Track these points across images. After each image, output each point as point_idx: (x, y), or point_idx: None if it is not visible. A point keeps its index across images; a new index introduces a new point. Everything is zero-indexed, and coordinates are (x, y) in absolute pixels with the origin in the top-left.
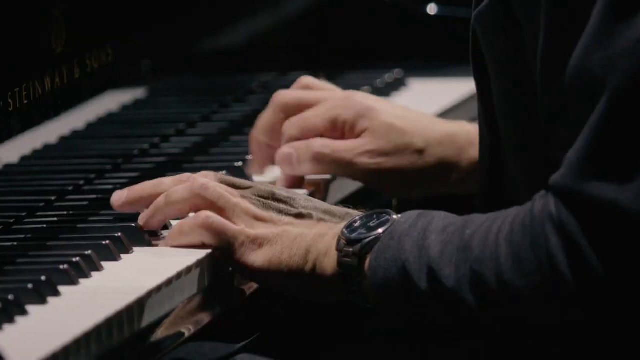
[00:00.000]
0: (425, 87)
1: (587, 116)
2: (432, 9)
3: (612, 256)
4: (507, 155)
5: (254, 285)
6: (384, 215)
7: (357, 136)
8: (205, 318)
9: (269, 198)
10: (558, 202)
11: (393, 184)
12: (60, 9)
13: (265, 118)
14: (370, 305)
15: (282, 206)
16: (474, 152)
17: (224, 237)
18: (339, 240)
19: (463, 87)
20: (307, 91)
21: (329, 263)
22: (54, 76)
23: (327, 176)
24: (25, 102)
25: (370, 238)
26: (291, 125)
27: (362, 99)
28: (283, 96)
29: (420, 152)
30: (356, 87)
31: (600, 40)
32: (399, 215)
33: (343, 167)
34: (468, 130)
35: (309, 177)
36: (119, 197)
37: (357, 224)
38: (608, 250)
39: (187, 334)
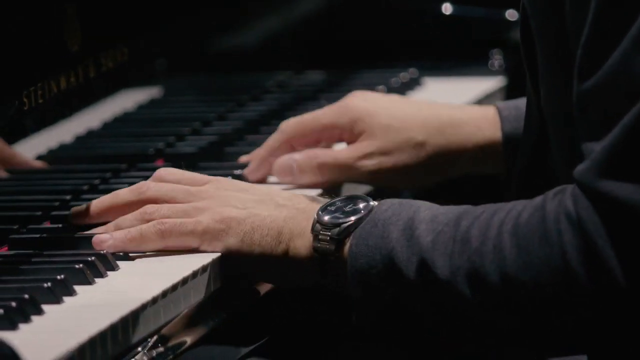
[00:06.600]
0: (440, 86)
1: (620, 115)
2: (447, 8)
3: (630, 258)
4: (550, 130)
5: (263, 289)
6: (361, 200)
7: (355, 140)
8: (216, 319)
9: (229, 189)
10: (579, 196)
11: (399, 180)
12: (74, 5)
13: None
14: (346, 292)
15: (242, 195)
16: (482, 137)
17: (183, 235)
18: (314, 223)
19: (478, 86)
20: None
21: (303, 245)
22: (69, 75)
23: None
24: (41, 101)
25: (349, 223)
26: (288, 127)
27: (358, 102)
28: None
29: (421, 144)
30: (371, 86)
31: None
32: (377, 202)
33: (346, 173)
34: (474, 115)
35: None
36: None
37: (332, 208)
38: (626, 252)
39: (198, 337)
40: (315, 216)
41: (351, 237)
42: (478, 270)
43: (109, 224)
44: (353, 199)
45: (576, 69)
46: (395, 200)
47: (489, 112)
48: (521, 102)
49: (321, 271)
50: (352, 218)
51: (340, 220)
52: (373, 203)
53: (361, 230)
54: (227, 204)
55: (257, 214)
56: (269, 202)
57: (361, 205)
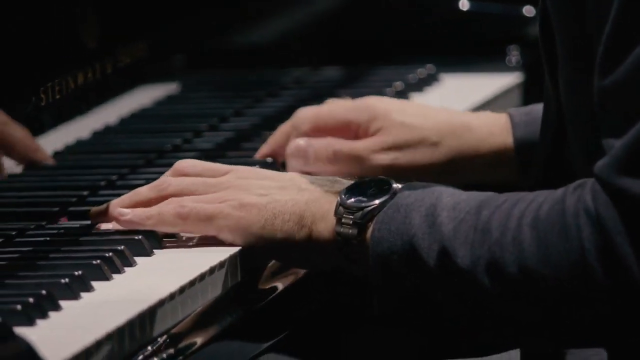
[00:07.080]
0: (457, 83)
1: None
2: (464, 4)
3: None
4: (568, 125)
5: (281, 285)
6: (384, 183)
7: (372, 136)
8: (234, 315)
9: (250, 177)
10: (598, 192)
11: (410, 178)
12: (91, 1)
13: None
14: (367, 276)
15: (264, 182)
16: (494, 142)
17: (202, 220)
18: (337, 206)
19: (495, 83)
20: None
21: (326, 228)
22: (86, 71)
23: None
24: (58, 97)
25: (372, 206)
26: (304, 120)
27: (375, 102)
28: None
29: (434, 145)
30: (389, 82)
31: None
32: (400, 185)
33: (360, 165)
34: (486, 121)
35: None
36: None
37: (355, 190)
38: None
39: (215, 333)
40: (339, 199)
41: (374, 222)
42: (498, 261)
43: (153, 216)
44: (377, 182)
45: (597, 65)
46: (419, 185)
47: (501, 119)
48: (532, 108)
49: (344, 255)
50: (376, 201)
51: (364, 204)
52: (396, 186)
53: (384, 215)
54: (247, 191)
55: (278, 200)
56: (290, 187)
57: (385, 188)
